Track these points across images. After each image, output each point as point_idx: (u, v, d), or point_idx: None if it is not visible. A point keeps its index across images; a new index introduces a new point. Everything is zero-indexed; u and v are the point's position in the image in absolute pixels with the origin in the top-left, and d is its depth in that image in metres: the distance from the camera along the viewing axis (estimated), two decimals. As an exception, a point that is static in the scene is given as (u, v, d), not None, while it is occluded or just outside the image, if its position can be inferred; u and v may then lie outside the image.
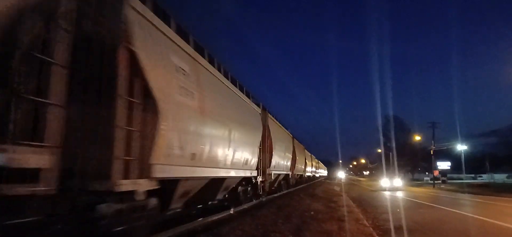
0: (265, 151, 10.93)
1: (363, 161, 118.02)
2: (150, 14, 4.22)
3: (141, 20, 4.01)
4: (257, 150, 9.54)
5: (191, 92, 5.06)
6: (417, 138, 53.30)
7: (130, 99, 3.77)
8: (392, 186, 27.71)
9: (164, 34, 4.58)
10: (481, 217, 10.32)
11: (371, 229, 7.51)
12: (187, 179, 5.19)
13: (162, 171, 4.25)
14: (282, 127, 15.43)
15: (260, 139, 10.11)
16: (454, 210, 12.48)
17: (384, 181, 28.95)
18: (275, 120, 13.36)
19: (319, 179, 53.85)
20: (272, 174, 11.90)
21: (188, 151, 5.00)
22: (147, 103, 4.03)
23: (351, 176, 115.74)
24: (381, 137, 57.58)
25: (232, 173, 7.30)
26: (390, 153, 65.61)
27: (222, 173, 6.64)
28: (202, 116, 5.46)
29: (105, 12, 3.70)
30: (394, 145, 51.39)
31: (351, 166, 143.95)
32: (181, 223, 6.16)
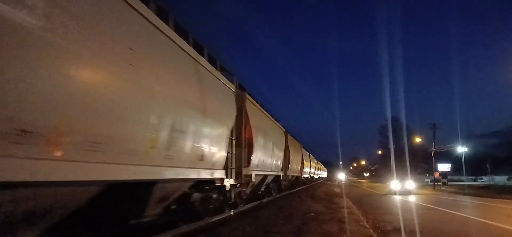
0: (242, 145, 8.05)
1: (363, 162, 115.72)
2: None
3: None
4: (225, 142, 6.70)
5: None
6: (418, 139, 53.07)
7: None
8: (403, 189, 24.11)
9: None
10: (483, 220, 10.14)
11: (372, 231, 7.46)
12: (17, 185, 2.36)
13: None
14: (269, 116, 12.38)
15: (233, 126, 7.27)
16: (455, 213, 12.32)
17: (394, 184, 24.78)
18: (258, 105, 10.30)
19: (319, 181, 51.06)
20: (253, 175, 8.97)
21: (13, 122, 2.18)
22: None
23: (351, 178, 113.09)
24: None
25: (170, 174, 4.45)
26: (392, 155, 64.24)
27: (138, 173, 3.78)
28: (57, 49, 2.61)
29: None
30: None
31: (351, 167, 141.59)
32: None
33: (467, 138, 48.02)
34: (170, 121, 4.36)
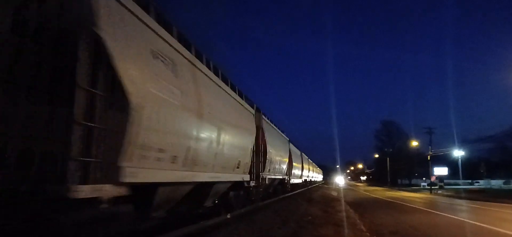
0: (259, 155, 10.38)
1: (360, 166, 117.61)
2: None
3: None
4: (249, 153, 9.00)
5: (173, 86, 4.53)
6: (414, 143, 53.21)
7: (93, 90, 3.23)
8: None
9: (141, 19, 4.05)
10: (480, 223, 10.16)
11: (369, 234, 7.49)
12: (167, 184, 4.65)
13: (135, 175, 3.70)
14: (277, 130, 14.88)
15: (253, 141, 9.57)
16: (452, 216, 12.36)
17: None
18: (270, 122, 12.81)
19: (316, 184, 53.21)
20: (267, 179, 11.34)
21: (169, 153, 4.46)
22: (116, 96, 3.49)
23: (348, 181, 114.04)
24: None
25: (222, 178, 6.75)
26: (388, 158, 65.73)
27: (209, 177, 6.09)
28: (185, 114, 4.92)
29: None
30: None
31: (348, 171, 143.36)
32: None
33: (463, 142, 48.38)
34: (224, 140, 6.68)
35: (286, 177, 16.92)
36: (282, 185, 17.21)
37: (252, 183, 9.38)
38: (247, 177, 8.75)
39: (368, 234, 7.53)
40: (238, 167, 7.83)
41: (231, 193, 8.26)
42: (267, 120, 12.18)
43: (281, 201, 14.95)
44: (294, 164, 20.37)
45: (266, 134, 11.21)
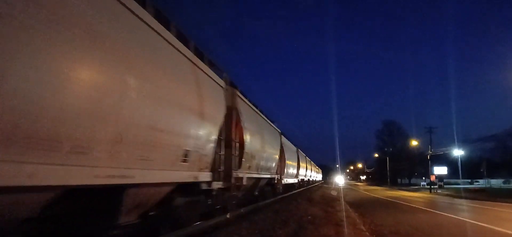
0: (231, 146, 7.53)
1: (360, 165, 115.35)
2: None
3: None
4: (212, 142, 6.17)
5: None
6: (414, 143, 53.39)
7: None
8: None
9: None
10: (479, 223, 10.05)
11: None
12: None
13: None
14: (263, 116, 11.76)
15: (222, 125, 6.75)
16: (451, 216, 12.26)
17: None
18: (250, 104, 9.73)
19: (315, 184, 50.66)
20: (245, 179, 8.44)
21: None
22: None
23: (348, 181, 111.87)
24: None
25: (139, 178, 3.88)
26: (388, 158, 64.07)
27: (105, 177, 3.25)
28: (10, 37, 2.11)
29: None
30: None
31: (348, 170, 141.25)
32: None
33: (464, 142, 48.44)
34: (146, 118, 3.85)
35: (276, 176, 13.97)
36: (272, 186, 14.30)
37: (217, 185, 6.49)
38: (206, 177, 5.88)
39: (368, 234, 7.49)
40: (185, 161, 4.97)
41: (180, 200, 5.37)
42: (246, 101, 9.22)
43: (280, 201, 14.34)
44: (287, 161, 17.51)
45: (243, 119, 8.32)
